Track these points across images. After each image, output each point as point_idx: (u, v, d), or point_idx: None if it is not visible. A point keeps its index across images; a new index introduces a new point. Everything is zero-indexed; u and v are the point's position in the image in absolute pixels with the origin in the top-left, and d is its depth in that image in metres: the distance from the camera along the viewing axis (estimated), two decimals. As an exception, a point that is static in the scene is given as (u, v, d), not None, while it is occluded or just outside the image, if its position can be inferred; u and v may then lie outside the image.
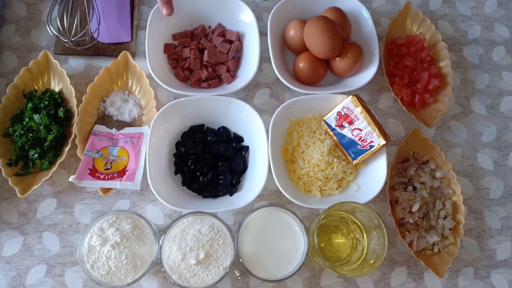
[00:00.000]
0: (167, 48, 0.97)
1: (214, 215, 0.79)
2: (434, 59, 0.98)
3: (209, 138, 0.91)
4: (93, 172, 0.87)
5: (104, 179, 0.87)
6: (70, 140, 0.88)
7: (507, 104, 1.00)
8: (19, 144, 0.87)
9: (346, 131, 0.89)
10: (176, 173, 0.91)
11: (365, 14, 0.97)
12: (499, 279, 0.89)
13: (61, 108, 0.90)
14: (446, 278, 0.88)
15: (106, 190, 0.87)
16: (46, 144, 0.87)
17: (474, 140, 0.97)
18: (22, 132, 0.87)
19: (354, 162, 0.89)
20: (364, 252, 0.82)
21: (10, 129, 0.89)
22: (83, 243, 0.78)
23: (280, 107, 0.90)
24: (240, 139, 0.93)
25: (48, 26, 0.93)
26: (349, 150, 0.89)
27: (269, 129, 0.88)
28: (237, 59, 0.98)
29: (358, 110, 0.87)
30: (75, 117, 0.90)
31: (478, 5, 1.07)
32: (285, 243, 0.80)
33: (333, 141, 0.91)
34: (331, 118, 0.90)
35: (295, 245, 0.79)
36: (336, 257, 0.86)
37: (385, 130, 0.88)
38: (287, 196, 0.84)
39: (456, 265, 0.89)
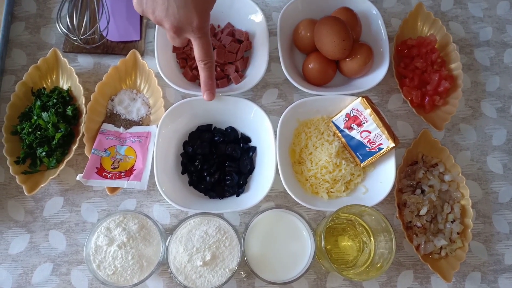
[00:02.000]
0: (176, 47, 0.96)
1: (220, 216, 0.79)
2: (444, 61, 0.97)
3: (216, 138, 0.91)
4: (100, 171, 0.87)
5: (111, 178, 0.87)
6: (78, 138, 0.88)
7: (518, 108, 0.99)
8: (27, 142, 0.87)
9: (354, 133, 0.88)
10: (183, 173, 0.91)
11: (376, 14, 0.96)
12: (506, 284, 0.88)
13: (70, 106, 0.90)
14: (453, 283, 0.88)
15: (113, 189, 0.87)
16: (54, 142, 0.87)
17: (484, 143, 0.96)
18: (30, 130, 0.87)
19: (362, 164, 0.89)
20: (371, 255, 0.81)
21: (18, 127, 0.89)
22: (89, 243, 0.78)
23: (288, 107, 0.89)
24: (247, 139, 0.92)
25: (58, 24, 0.93)
26: (357, 152, 0.89)
27: (277, 129, 0.87)
28: (246, 58, 0.97)
29: (367, 112, 0.86)
30: (83, 116, 0.90)
31: (490, 7, 1.06)
32: (291, 245, 0.80)
33: (341, 142, 0.90)
34: (339, 119, 0.90)
35: (301, 248, 0.79)
36: (343, 260, 0.85)
37: (394, 132, 0.88)
38: (294, 197, 0.84)
39: (463, 269, 0.88)
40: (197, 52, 0.74)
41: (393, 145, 0.85)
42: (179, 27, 0.68)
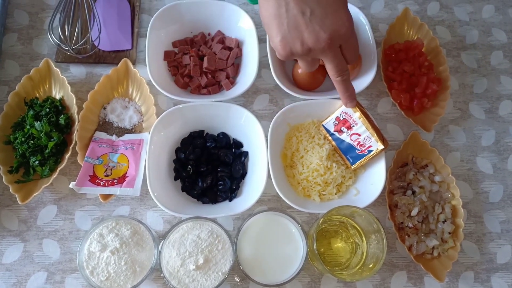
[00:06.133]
0: (167, 55, 0.97)
1: (213, 220, 0.80)
2: (432, 64, 0.98)
3: (208, 144, 0.92)
4: (93, 179, 0.88)
5: (104, 185, 0.87)
6: (70, 147, 0.89)
7: (506, 108, 1.00)
8: (20, 151, 0.88)
9: (344, 136, 0.89)
10: (175, 179, 0.91)
11: (363, 20, 0.97)
12: (499, 283, 0.89)
13: (62, 116, 0.91)
14: (446, 282, 0.88)
15: (106, 197, 0.87)
16: (47, 151, 0.87)
17: (473, 144, 0.97)
18: (23, 139, 0.88)
19: (352, 167, 0.89)
20: (364, 256, 0.82)
21: (11, 136, 0.90)
22: (82, 249, 0.78)
23: (279, 112, 0.90)
24: (239, 144, 0.93)
25: (50, 34, 0.94)
26: (347, 155, 0.90)
27: (268, 134, 0.88)
28: (237, 65, 0.98)
29: (357, 115, 0.87)
30: (76, 124, 0.90)
31: (476, 11, 1.07)
32: (284, 248, 0.80)
33: (332, 146, 0.91)
34: (329, 123, 0.91)
35: (294, 250, 0.80)
36: (336, 261, 0.86)
37: (384, 135, 0.89)
38: (286, 201, 0.84)
39: (456, 269, 0.89)
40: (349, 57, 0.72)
41: (382, 147, 0.86)
42: (333, 36, 0.63)
